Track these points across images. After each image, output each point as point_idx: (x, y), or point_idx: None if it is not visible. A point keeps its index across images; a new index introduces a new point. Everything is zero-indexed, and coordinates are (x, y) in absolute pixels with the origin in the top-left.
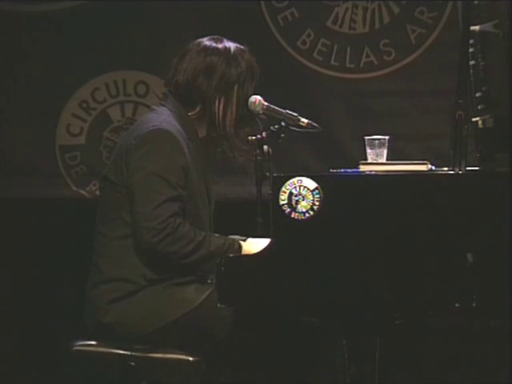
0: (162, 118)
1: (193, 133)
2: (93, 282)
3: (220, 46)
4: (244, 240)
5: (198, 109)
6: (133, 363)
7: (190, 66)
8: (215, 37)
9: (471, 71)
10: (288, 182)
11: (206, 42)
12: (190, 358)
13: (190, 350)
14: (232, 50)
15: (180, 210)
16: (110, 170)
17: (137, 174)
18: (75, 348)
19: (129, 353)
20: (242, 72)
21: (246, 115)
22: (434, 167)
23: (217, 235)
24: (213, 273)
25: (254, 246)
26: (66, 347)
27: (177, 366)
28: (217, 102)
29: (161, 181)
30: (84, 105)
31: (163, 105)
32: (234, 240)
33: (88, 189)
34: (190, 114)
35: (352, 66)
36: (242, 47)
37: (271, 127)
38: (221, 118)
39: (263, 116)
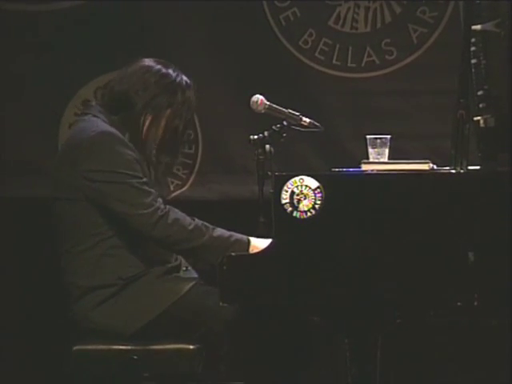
0: (96, 123)
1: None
2: (72, 298)
3: (164, 70)
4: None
5: (121, 114)
6: (135, 357)
7: (129, 78)
8: (166, 62)
9: (473, 70)
10: (290, 181)
11: (153, 62)
12: (191, 346)
13: (182, 339)
14: (173, 78)
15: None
16: (60, 189)
17: (99, 179)
18: (76, 348)
19: (129, 347)
20: (176, 104)
21: (170, 145)
22: (435, 166)
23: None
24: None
25: (262, 241)
26: (67, 347)
27: (178, 355)
28: (142, 119)
29: (124, 175)
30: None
31: (86, 113)
32: (241, 236)
33: None
34: (113, 117)
35: (354, 65)
36: (187, 81)
37: (273, 127)
38: (143, 136)
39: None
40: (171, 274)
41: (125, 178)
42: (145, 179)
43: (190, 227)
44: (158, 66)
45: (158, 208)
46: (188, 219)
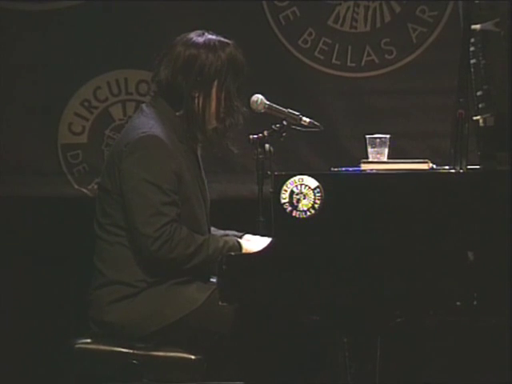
0: (152, 122)
1: (183, 133)
2: (95, 284)
3: (201, 39)
4: (241, 236)
5: (179, 104)
6: (135, 361)
7: (171, 63)
8: (199, 31)
9: (472, 70)
10: (289, 181)
11: (188, 36)
12: (192, 357)
13: (191, 348)
14: (213, 42)
15: (176, 215)
16: (104, 177)
17: (129, 182)
18: (77, 346)
19: (131, 351)
20: (223, 65)
21: (228, 111)
22: (435, 166)
23: (216, 236)
24: (215, 274)
25: (253, 245)
26: (68, 345)
27: (179, 364)
28: (196, 99)
29: (153, 187)
30: (86, 103)
31: (152, 105)
32: (233, 242)
33: (90, 187)
34: (177, 114)
35: (353, 64)
36: (225, 40)
37: (273, 126)
38: (200, 115)
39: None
40: (194, 283)
41: (151, 191)
42: (171, 198)
43: (190, 250)
44: (194, 38)
45: (165, 230)
46: (189, 240)
